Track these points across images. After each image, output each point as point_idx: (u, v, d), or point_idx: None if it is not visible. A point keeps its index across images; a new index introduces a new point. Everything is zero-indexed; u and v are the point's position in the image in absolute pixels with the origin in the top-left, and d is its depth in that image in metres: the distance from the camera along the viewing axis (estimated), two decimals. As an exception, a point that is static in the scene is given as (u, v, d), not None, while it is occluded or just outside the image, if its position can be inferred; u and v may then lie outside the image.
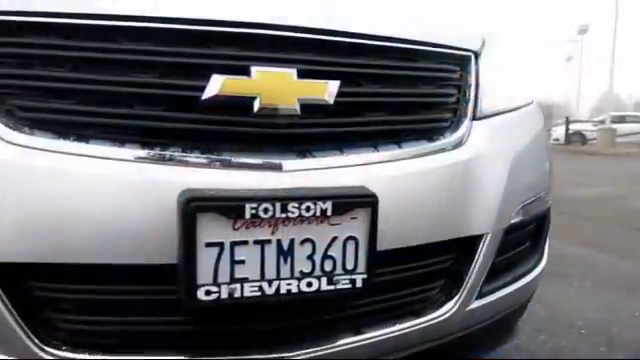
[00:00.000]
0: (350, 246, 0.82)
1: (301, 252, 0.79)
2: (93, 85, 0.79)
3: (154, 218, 0.76)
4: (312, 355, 0.86)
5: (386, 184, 0.88)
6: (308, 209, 0.78)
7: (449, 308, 1.00)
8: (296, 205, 0.77)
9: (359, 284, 0.83)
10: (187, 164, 0.79)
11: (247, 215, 0.75)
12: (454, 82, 1.07)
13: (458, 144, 1.01)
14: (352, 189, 0.83)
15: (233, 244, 0.76)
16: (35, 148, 0.76)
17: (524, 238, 1.20)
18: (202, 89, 0.80)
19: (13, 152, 0.75)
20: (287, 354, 0.85)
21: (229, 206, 0.75)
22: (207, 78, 0.80)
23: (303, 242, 0.79)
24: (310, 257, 0.80)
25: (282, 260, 0.79)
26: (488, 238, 1.03)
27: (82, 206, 0.75)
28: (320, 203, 0.78)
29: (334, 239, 0.81)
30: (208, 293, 0.75)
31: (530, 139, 1.18)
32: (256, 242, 0.77)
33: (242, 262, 0.77)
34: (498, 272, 1.10)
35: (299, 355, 0.85)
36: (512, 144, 1.11)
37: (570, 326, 1.85)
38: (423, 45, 1.02)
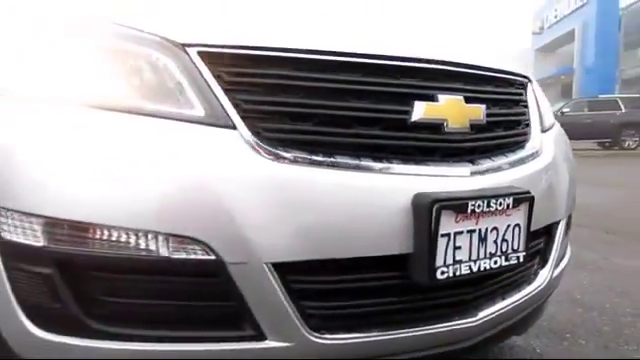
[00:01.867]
0: (516, 231, 1.08)
1: (491, 237, 1.03)
2: (331, 110, 0.95)
3: (392, 218, 0.95)
4: (482, 321, 1.10)
5: (518, 182, 1.15)
6: (500, 204, 1.02)
7: (545, 276, 1.30)
8: (495, 201, 1.01)
9: (521, 259, 1.09)
10: (406, 173, 0.99)
11: (468, 210, 0.97)
12: (524, 103, 1.37)
13: (538, 152, 1.31)
14: (516, 188, 1.09)
15: (455, 234, 0.97)
16: (291, 162, 0.90)
17: (567, 226, 1.55)
18: (407, 113, 1.01)
19: (271, 167, 0.89)
20: (471, 319, 1.07)
21: (459, 204, 0.96)
22: (410, 104, 1.01)
23: (492, 230, 1.03)
24: (495, 241, 1.04)
25: (480, 244, 1.02)
26: (563, 222, 1.35)
27: (334, 210, 0.91)
28: (507, 199, 1.03)
29: (508, 226, 1.06)
30: (442, 273, 0.96)
31: (568, 146, 1.53)
32: (468, 231, 0.99)
33: (459, 248, 0.99)
34: (560, 250, 1.43)
35: (476, 321, 1.08)
36: (564, 151, 1.44)
37: (544, 296, 2.27)
38: (510, 75, 1.31)
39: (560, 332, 1.90)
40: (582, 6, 25.31)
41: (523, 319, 1.33)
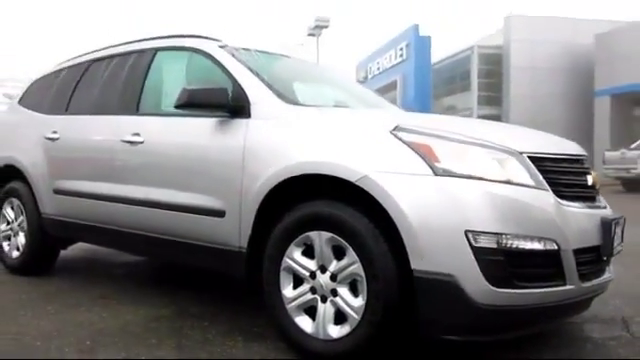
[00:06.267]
0: (620, 232, 2.36)
1: (618, 235, 2.29)
2: (566, 181, 2.14)
3: (594, 228, 2.16)
4: (610, 279, 2.34)
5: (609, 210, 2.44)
6: (621, 221, 2.30)
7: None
8: (621, 219, 2.28)
9: (622, 246, 2.37)
10: (593, 208, 2.21)
11: (619, 223, 2.23)
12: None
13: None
14: (617, 213, 2.37)
15: (611, 233, 2.20)
16: (566, 206, 2.06)
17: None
18: (587, 180, 2.24)
19: (565, 207, 2.05)
20: (608, 275, 2.31)
21: (618, 221, 2.22)
22: (586, 176, 2.24)
23: (618, 232, 2.29)
24: (618, 237, 2.30)
25: (616, 238, 2.26)
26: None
27: (581, 225, 2.09)
28: (622, 218, 2.31)
29: (620, 230, 2.33)
30: (613, 251, 2.19)
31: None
32: (614, 233, 2.23)
33: (614, 240, 2.22)
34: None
35: (610, 278, 2.32)
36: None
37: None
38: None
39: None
40: (402, 62, 29.84)
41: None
